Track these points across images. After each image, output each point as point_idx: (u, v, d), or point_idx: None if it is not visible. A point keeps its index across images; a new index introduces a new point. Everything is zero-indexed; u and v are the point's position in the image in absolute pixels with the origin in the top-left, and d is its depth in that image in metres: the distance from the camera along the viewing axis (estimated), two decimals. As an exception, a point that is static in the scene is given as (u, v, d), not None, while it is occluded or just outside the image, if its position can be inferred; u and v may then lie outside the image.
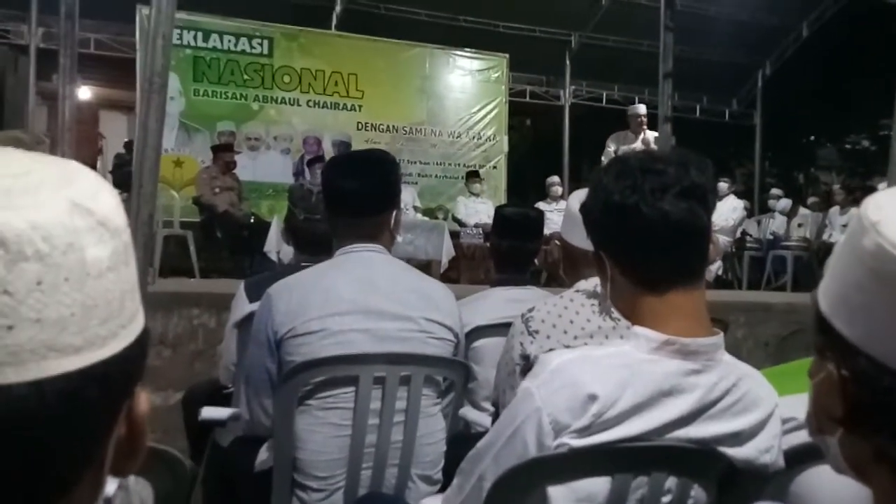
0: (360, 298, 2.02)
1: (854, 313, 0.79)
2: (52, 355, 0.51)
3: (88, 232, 0.54)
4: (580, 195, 1.82)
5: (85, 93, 12.16)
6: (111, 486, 1.11)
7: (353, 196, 2.11)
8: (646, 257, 1.35)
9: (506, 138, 11.40)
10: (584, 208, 1.44)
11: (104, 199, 0.57)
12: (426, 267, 7.13)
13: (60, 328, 0.51)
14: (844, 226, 9.12)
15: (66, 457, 0.53)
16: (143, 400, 0.61)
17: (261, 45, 10.09)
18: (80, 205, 0.54)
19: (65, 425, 0.52)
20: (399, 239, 2.26)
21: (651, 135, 7.98)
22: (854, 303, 0.79)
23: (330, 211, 2.20)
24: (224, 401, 2.46)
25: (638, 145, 7.82)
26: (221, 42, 9.90)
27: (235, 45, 9.97)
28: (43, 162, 0.57)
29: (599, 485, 1.28)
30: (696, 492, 1.36)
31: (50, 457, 0.52)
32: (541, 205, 8.22)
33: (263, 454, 2.11)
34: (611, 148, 8.20)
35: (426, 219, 9.02)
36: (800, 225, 10.30)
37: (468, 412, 2.63)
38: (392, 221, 2.18)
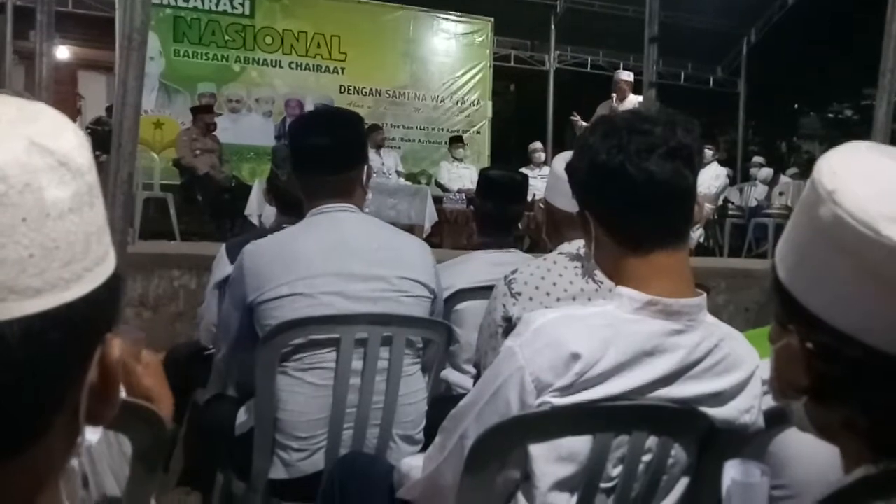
0: (330, 260, 2.01)
1: (815, 283, 0.78)
2: (11, 297, 0.49)
3: (48, 171, 0.52)
4: (565, 157, 1.80)
5: (63, 52, 11.92)
6: (93, 434, 1.10)
7: (329, 151, 2.09)
8: (630, 218, 1.34)
9: (489, 103, 11.34)
10: (570, 167, 1.43)
11: (67, 138, 0.55)
12: (409, 231, 7.10)
13: (19, 270, 0.50)
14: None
15: (31, 401, 0.52)
16: (116, 346, 0.59)
17: (242, 5, 9.96)
18: (38, 143, 0.52)
19: (27, 369, 0.51)
20: (369, 196, 2.25)
21: (635, 98, 7.95)
22: (814, 273, 0.78)
23: (301, 170, 2.17)
24: (205, 361, 2.45)
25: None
26: (202, 2, 9.76)
27: (217, 6, 9.83)
28: (3, 101, 0.55)
29: (581, 443, 1.28)
30: (677, 451, 1.36)
31: (13, 401, 0.51)
32: (524, 170, 8.17)
33: (243, 416, 2.11)
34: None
35: (409, 183, 8.97)
36: (781, 193, 10.33)
37: (450, 374, 2.63)
38: (364, 177, 2.17)
